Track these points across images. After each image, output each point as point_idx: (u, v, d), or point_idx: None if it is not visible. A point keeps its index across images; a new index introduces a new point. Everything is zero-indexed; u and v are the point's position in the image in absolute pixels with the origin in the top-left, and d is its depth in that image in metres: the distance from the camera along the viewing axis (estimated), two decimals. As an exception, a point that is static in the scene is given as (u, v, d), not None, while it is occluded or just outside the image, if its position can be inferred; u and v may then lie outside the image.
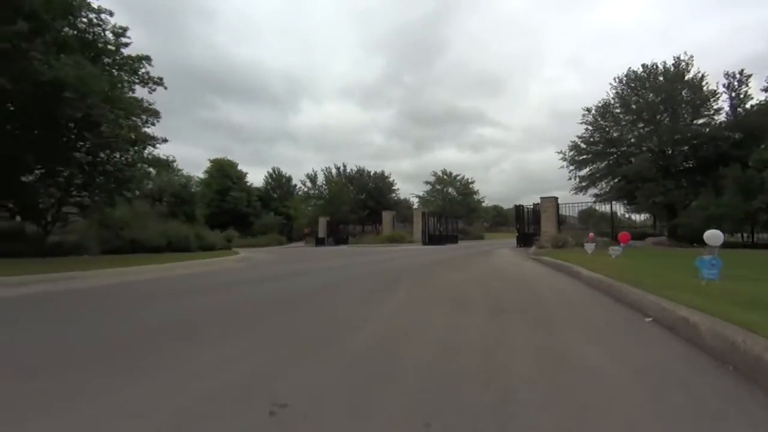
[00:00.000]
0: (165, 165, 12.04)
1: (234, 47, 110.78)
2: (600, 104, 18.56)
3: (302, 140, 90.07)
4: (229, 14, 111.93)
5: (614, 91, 18.27)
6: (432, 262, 9.87)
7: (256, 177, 55.79)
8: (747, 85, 15.20)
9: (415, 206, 35.57)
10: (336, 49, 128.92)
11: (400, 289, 4.86)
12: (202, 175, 38.49)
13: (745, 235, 14.43)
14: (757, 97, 15.24)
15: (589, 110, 18.71)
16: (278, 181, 54.04)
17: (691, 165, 16.41)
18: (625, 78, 18.01)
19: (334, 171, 42.52)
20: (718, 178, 13.75)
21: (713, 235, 3.89)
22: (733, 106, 15.53)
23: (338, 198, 40.80)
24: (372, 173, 44.66)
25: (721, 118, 16.07)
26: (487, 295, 4.38)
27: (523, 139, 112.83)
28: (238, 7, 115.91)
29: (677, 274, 5.39)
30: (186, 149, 66.64)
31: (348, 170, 45.30)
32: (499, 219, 69.35)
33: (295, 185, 51.15)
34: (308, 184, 41.39)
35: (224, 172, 37.77)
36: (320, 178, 41.34)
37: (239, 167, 41.55)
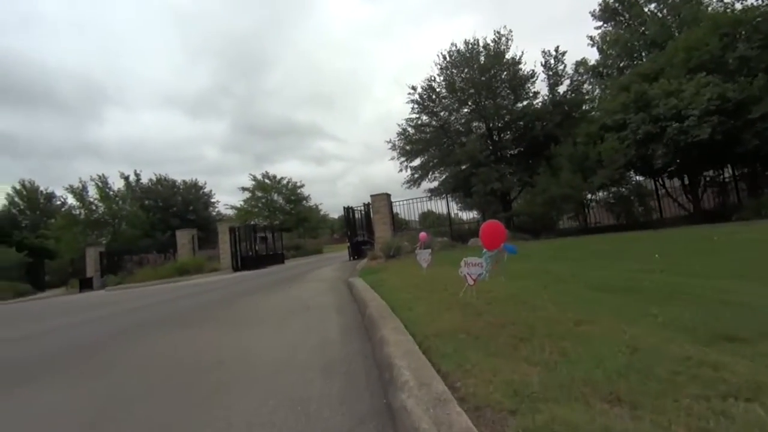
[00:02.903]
0: None
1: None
2: (425, 84, 16.31)
3: (110, 155, 70.99)
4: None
5: (438, 69, 16.28)
6: (145, 328, 4.49)
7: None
8: (563, 63, 14.93)
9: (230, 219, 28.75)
10: (149, 53, 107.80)
11: None
12: None
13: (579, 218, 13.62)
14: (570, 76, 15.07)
15: (414, 89, 16.26)
16: (32, 202, 39.05)
17: (522, 149, 15.36)
18: (448, 55, 16.18)
19: (118, 182, 31.84)
20: (551, 157, 12.47)
21: None
22: (551, 86, 15.06)
23: (128, 219, 30.59)
24: (179, 183, 35.40)
25: (539, 101, 15.53)
26: None
27: (363, 153, 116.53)
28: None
29: None
30: None
31: (142, 180, 34.93)
32: (349, 229, 67.88)
33: (62, 204, 37.56)
34: (70, 200, 29.68)
35: None
36: (93, 192, 29.95)
37: None
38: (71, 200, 30.59)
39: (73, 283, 24.00)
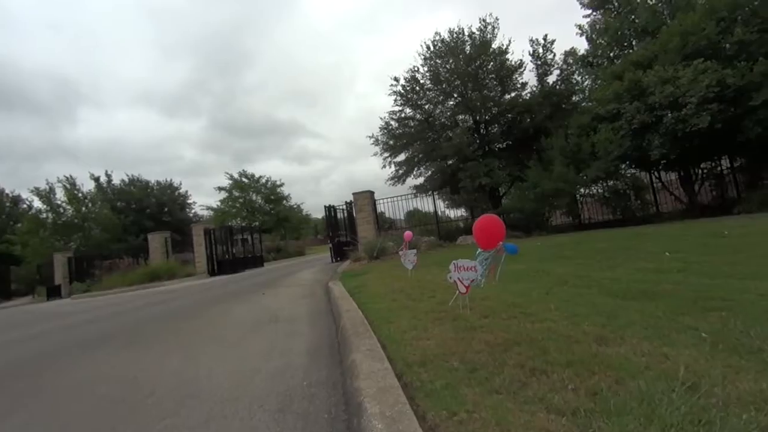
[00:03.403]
0: None
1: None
2: (409, 75, 15.75)
3: (85, 156, 68.78)
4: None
5: (422, 59, 15.73)
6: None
7: None
8: (551, 52, 14.54)
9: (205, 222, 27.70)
10: (124, 50, 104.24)
11: None
12: None
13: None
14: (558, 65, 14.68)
15: (397, 80, 15.70)
16: (-4, 206, 37.34)
17: (510, 142, 14.92)
18: (432, 45, 15.64)
19: (87, 184, 30.60)
20: (542, 150, 12.05)
21: None
22: (539, 76, 14.65)
23: (97, 222, 29.56)
24: (152, 184, 34.05)
25: (527, 92, 15.12)
26: None
27: (346, 150, 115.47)
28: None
29: None
30: None
31: (114, 181, 33.56)
32: (332, 230, 66.83)
33: (29, 208, 36.07)
34: (36, 204, 28.51)
35: None
36: (60, 194, 28.66)
37: None
38: (38, 203, 29.37)
39: (39, 291, 23.04)
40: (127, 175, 34.15)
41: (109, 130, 79.11)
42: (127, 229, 30.63)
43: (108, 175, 33.42)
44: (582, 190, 11.53)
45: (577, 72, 14.26)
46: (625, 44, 14.84)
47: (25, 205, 36.76)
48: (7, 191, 38.19)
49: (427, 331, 2.62)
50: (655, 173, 11.82)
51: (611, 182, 11.05)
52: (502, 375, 1.77)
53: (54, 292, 21.30)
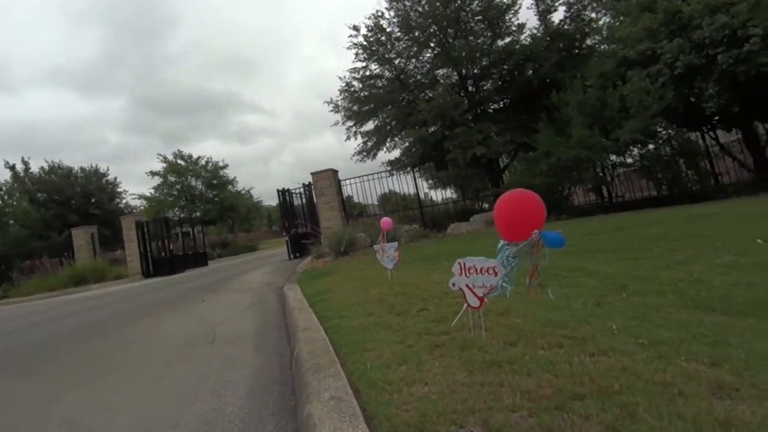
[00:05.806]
0: None
1: None
2: (371, 22, 13.16)
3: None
4: None
5: (386, 1, 13.16)
6: None
7: None
8: (556, -19, 12.17)
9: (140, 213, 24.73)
10: (27, 20, 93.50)
11: None
12: None
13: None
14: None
15: (357, 29, 13.11)
16: None
17: (508, 100, 12.71)
18: (399, -20, 13.02)
19: (3, 174, 27.16)
20: (553, 109, 9.89)
21: None
22: (541, 14, 12.33)
23: (15, 217, 26.81)
24: (76, 171, 30.35)
25: (526, 36, 12.81)
26: None
27: (296, 125, 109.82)
28: None
29: None
30: None
31: (32, 170, 29.81)
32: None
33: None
34: None
35: None
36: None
37: None
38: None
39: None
40: (47, 162, 30.39)
41: (22, 113, 71.30)
42: (49, 223, 27.39)
43: (25, 163, 29.73)
44: (613, 158, 9.47)
45: (589, 6, 12.00)
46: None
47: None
48: None
49: (422, 367, 1.71)
50: (711, 133, 9.80)
51: (651, 146, 9.02)
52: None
53: (-38, 302, 19.13)
